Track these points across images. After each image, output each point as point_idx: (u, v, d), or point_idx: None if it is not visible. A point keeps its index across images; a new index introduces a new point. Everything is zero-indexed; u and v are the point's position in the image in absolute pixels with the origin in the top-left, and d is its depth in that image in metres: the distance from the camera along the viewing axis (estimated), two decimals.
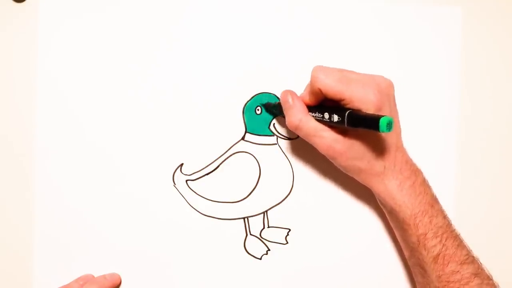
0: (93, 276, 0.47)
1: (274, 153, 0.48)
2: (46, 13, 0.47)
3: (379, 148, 0.42)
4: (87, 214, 0.47)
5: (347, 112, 0.39)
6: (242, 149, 0.48)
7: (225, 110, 0.48)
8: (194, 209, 0.48)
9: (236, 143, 0.48)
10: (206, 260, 0.48)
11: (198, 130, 0.47)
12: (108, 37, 0.47)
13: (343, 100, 0.40)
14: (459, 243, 0.42)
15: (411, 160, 0.43)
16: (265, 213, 0.48)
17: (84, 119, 0.47)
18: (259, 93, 0.48)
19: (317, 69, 0.41)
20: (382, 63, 0.48)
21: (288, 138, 0.48)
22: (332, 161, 0.43)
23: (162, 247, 0.48)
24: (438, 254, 0.40)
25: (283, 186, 0.48)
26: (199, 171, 0.48)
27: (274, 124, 0.48)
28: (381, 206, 0.45)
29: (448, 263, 0.40)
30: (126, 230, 0.47)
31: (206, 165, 0.48)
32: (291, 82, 0.47)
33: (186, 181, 0.48)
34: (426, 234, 0.41)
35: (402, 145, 0.44)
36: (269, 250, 0.48)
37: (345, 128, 0.41)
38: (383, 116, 0.36)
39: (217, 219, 0.48)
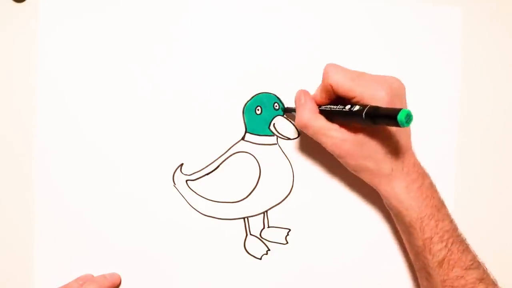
0: (92, 276, 0.47)
1: (274, 153, 0.48)
2: (46, 13, 0.47)
3: (387, 149, 0.41)
4: (87, 214, 0.47)
5: (368, 106, 0.39)
6: (242, 149, 0.48)
7: (225, 110, 0.48)
8: (194, 209, 0.48)
9: (236, 143, 0.48)
10: (206, 260, 0.48)
11: (198, 130, 0.47)
12: (108, 37, 0.47)
13: (354, 97, 0.40)
14: (465, 248, 0.41)
15: (419, 163, 0.43)
16: (265, 213, 0.48)
17: (84, 119, 0.47)
18: (259, 93, 0.48)
19: (330, 66, 0.42)
20: (382, 63, 0.48)
21: (288, 138, 0.48)
22: (340, 160, 0.43)
23: (162, 247, 0.48)
24: (443, 259, 0.40)
25: (283, 186, 0.48)
26: (199, 171, 0.48)
27: (274, 124, 0.48)
28: (388, 208, 0.45)
29: (453, 268, 0.40)
30: (126, 230, 0.47)
31: (206, 165, 0.48)
32: (291, 82, 0.47)
33: (186, 181, 0.48)
34: (432, 238, 0.40)
35: (411, 147, 0.43)
36: (269, 250, 0.48)
37: (355, 127, 0.41)
38: (401, 109, 0.35)
39: (217, 219, 0.48)
